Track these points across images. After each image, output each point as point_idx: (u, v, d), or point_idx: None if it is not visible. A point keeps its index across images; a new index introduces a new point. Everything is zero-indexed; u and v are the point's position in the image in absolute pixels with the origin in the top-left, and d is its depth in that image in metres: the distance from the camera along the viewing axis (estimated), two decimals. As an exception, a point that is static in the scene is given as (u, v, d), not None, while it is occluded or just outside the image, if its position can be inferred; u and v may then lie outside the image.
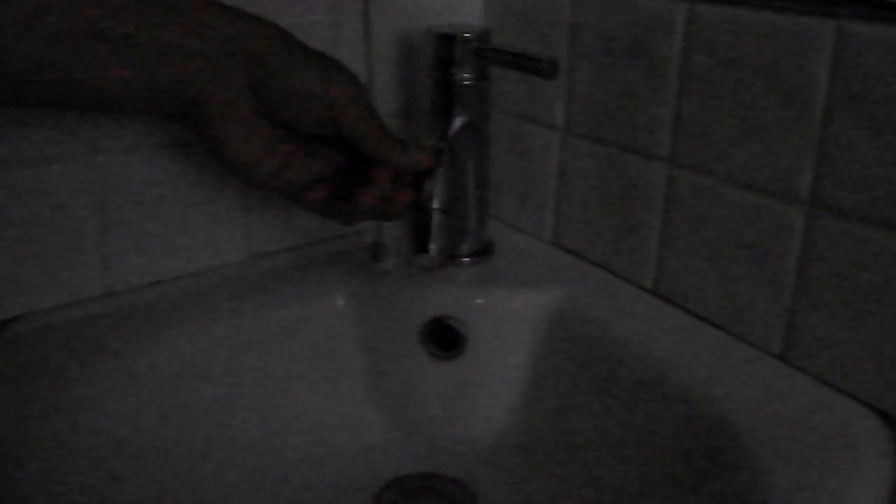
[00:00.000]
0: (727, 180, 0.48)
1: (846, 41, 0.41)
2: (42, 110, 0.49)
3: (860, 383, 0.44)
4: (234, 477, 0.50)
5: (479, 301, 0.56)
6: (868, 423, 0.42)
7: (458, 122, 0.56)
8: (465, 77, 0.55)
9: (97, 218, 0.52)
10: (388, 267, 0.57)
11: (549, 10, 0.58)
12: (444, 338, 0.56)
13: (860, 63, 0.41)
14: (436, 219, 0.51)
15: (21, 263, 0.50)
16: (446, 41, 0.55)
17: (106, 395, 0.47)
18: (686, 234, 0.52)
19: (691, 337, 0.50)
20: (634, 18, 0.52)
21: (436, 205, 0.51)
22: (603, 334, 0.52)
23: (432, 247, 0.51)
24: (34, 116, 0.49)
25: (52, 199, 0.50)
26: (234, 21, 0.44)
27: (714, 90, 0.48)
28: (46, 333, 0.50)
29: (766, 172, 0.46)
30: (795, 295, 0.46)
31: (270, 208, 0.59)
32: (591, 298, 0.55)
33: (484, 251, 0.61)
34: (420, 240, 0.51)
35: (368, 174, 0.48)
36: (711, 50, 0.48)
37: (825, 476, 0.39)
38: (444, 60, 0.55)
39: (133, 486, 0.45)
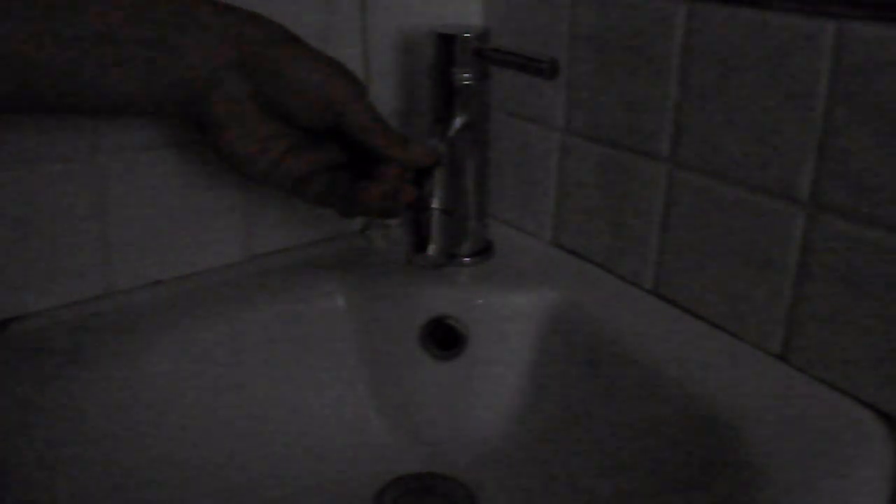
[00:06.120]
0: (727, 180, 0.48)
1: (846, 41, 0.41)
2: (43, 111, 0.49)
3: (860, 383, 0.44)
4: (233, 476, 0.50)
5: (479, 301, 0.56)
6: (868, 423, 0.42)
7: (458, 122, 0.56)
8: (465, 77, 0.55)
9: (97, 218, 0.52)
10: (381, 244, 0.56)
11: (549, 11, 0.58)
12: (444, 338, 0.56)
13: (860, 63, 0.41)
14: (436, 218, 0.51)
15: (21, 263, 0.50)
16: (446, 41, 0.55)
17: (106, 395, 0.46)
18: (686, 234, 0.52)
19: (691, 337, 0.50)
20: (634, 18, 0.52)
21: (435, 204, 0.51)
22: (603, 334, 0.52)
23: (432, 247, 0.51)
24: (34, 116, 0.49)
25: (52, 199, 0.50)
26: (235, 19, 0.44)
27: (714, 90, 0.48)
28: (46, 333, 0.50)
29: (766, 172, 0.46)
30: (795, 295, 0.46)
31: (270, 208, 0.59)
32: (591, 298, 0.55)
33: (484, 251, 0.61)
34: (420, 240, 0.51)
35: (371, 169, 0.49)
36: (711, 50, 0.48)
37: (825, 476, 0.39)
38: (444, 60, 0.55)
39: (133, 486, 0.45)
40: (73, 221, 0.51)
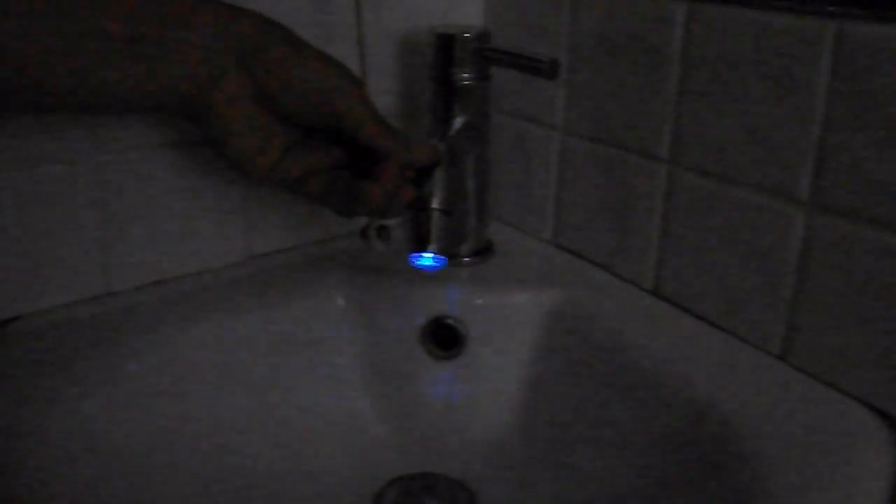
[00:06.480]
0: (727, 180, 0.48)
1: (846, 41, 0.41)
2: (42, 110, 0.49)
3: (860, 383, 0.44)
4: (233, 476, 0.50)
5: (479, 301, 0.56)
6: (868, 423, 0.42)
7: (458, 122, 0.56)
8: (465, 77, 0.55)
9: (97, 218, 0.52)
10: (381, 244, 0.55)
11: (549, 10, 0.58)
12: (444, 338, 0.56)
13: (860, 63, 0.41)
14: (435, 218, 0.51)
15: (21, 263, 0.50)
16: (446, 41, 0.55)
17: (105, 394, 0.46)
18: (686, 234, 0.52)
19: (691, 337, 0.50)
20: (634, 18, 0.52)
21: (435, 204, 0.51)
22: (603, 334, 0.52)
23: (432, 246, 0.51)
24: (34, 116, 0.49)
25: (52, 199, 0.50)
26: (235, 18, 0.44)
27: (714, 90, 0.48)
28: (46, 333, 0.50)
29: (766, 172, 0.46)
30: (795, 295, 0.46)
31: (271, 209, 0.59)
32: (591, 298, 0.55)
33: (484, 251, 0.61)
34: (420, 240, 0.51)
35: (372, 169, 0.49)
36: (711, 50, 0.48)
37: (825, 476, 0.39)
38: (444, 60, 0.55)
39: (132, 486, 0.45)
40: (73, 222, 0.51)
